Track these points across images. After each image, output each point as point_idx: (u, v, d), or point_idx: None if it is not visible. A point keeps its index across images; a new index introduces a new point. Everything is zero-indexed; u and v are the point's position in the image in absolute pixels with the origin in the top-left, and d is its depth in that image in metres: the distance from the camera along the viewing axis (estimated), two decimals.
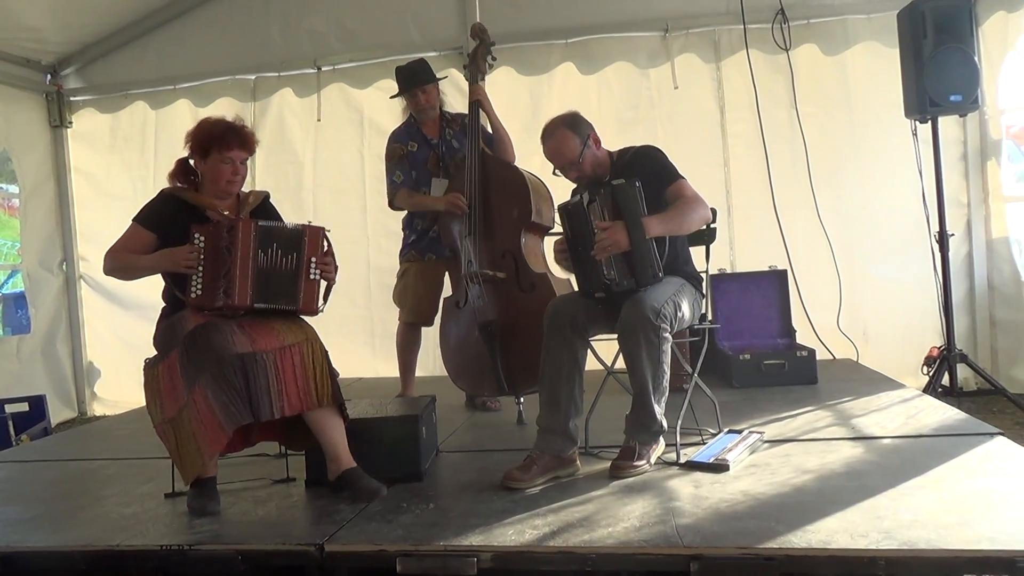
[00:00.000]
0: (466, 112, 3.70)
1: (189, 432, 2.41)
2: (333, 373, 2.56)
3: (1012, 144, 4.63)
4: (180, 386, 2.44)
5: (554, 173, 2.92)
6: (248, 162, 2.71)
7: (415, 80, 3.74)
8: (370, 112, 5.17)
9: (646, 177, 2.66)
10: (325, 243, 2.64)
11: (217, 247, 2.51)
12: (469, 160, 3.56)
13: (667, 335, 2.59)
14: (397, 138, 3.81)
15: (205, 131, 2.63)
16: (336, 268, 2.68)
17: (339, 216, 5.07)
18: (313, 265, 2.58)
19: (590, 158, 2.83)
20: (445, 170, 3.74)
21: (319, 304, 2.63)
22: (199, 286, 2.51)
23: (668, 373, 2.64)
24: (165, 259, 2.58)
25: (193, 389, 2.40)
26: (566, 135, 2.82)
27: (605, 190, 2.59)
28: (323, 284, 2.64)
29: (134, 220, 2.65)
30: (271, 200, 2.85)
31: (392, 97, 3.89)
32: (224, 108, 4.97)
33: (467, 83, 3.71)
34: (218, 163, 2.61)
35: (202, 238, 2.52)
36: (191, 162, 2.69)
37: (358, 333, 5.09)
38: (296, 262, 2.57)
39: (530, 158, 3.85)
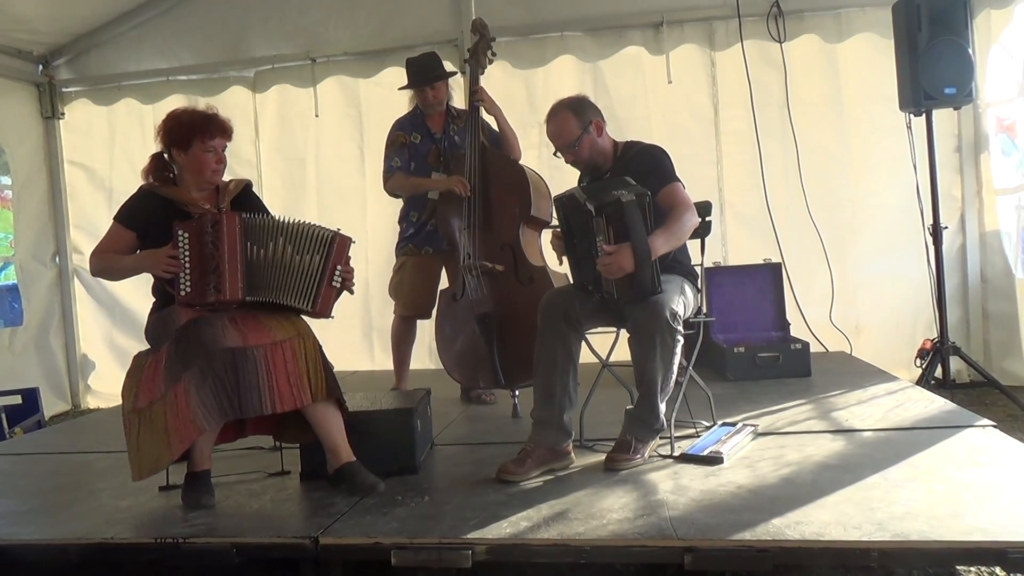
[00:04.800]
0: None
1: (160, 426, 2.39)
2: (328, 367, 2.55)
3: (1006, 137, 4.64)
4: (160, 379, 2.42)
5: (554, 154, 2.90)
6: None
7: (425, 77, 3.72)
8: (367, 106, 5.15)
9: (643, 176, 2.65)
10: (349, 254, 2.63)
11: (202, 243, 2.49)
12: (469, 153, 3.55)
13: (680, 337, 2.59)
14: (401, 127, 3.80)
15: (184, 122, 2.60)
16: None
17: (337, 209, 5.06)
18: (338, 273, 2.58)
19: (588, 144, 2.82)
20: (445, 165, 3.73)
21: (331, 310, 2.61)
22: (187, 283, 2.50)
23: (675, 373, 2.65)
24: (146, 261, 2.57)
25: (176, 384, 2.38)
26: (567, 117, 2.81)
27: (613, 205, 2.53)
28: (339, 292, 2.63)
29: (114, 219, 2.63)
30: (253, 188, 2.82)
31: (400, 89, 3.88)
32: (219, 101, 4.94)
33: (464, 78, 3.69)
34: (201, 153, 2.59)
35: (186, 235, 2.50)
36: (165, 156, 2.66)
37: (357, 327, 5.09)
38: (322, 265, 2.55)
39: (525, 152, 3.84)
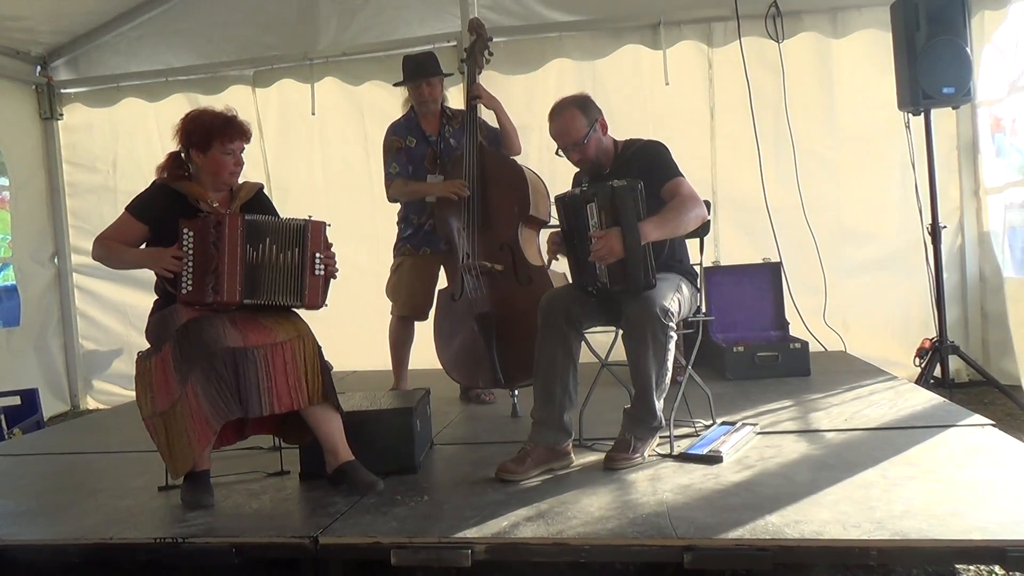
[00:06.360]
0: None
1: (182, 427, 2.41)
2: (326, 368, 2.56)
3: (1003, 136, 4.65)
4: (173, 380, 2.43)
5: (556, 153, 2.89)
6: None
7: (421, 72, 3.72)
8: (368, 105, 5.15)
9: (646, 172, 2.66)
10: (327, 238, 2.62)
11: (205, 242, 2.49)
12: (467, 154, 3.55)
13: (673, 334, 2.59)
14: (395, 131, 3.80)
15: (204, 124, 2.60)
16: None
17: (346, 208, 5.07)
18: (318, 260, 2.57)
19: (595, 142, 2.82)
20: (442, 167, 3.73)
21: (322, 299, 2.62)
22: (189, 282, 2.50)
23: (671, 370, 2.65)
24: (150, 259, 2.58)
25: (186, 384, 2.39)
26: (575, 115, 2.80)
27: (604, 191, 2.56)
28: (325, 279, 2.62)
29: (126, 209, 2.64)
30: (265, 192, 2.83)
31: (396, 84, 3.88)
32: (220, 102, 4.92)
33: (462, 78, 3.69)
34: (220, 155, 2.60)
35: (191, 233, 2.51)
36: (182, 155, 2.67)
37: (369, 324, 5.04)
38: (300, 257, 2.55)
39: (524, 156, 3.84)
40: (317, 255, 2.57)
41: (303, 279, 2.56)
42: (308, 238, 2.57)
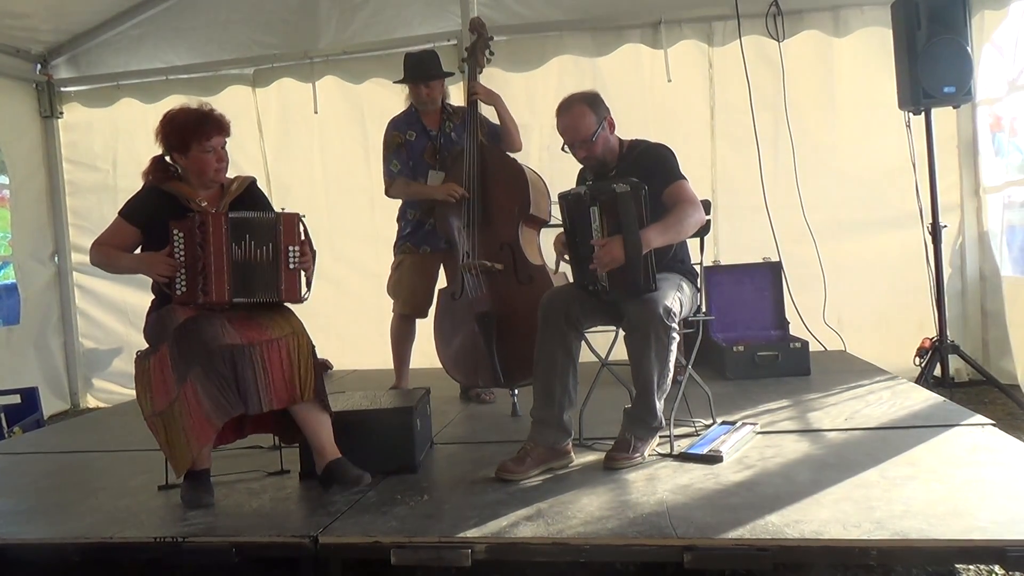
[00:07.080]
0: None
1: (179, 426, 2.41)
2: (318, 367, 2.55)
3: (1002, 135, 4.65)
4: (171, 379, 2.43)
5: (562, 149, 2.87)
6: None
7: (421, 73, 3.72)
8: (369, 104, 5.14)
9: (649, 174, 2.65)
10: (302, 229, 2.59)
11: (193, 243, 2.49)
12: (467, 153, 3.55)
13: (675, 334, 2.59)
14: (396, 126, 3.79)
15: (179, 124, 2.57)
16: (314, 255, 2.64)
17: (347, 207, 5.02)
18: (292, 253, 2.54)
19: (602, 140, 2.82)
20: (442, 162, 3.72)
21: (302, 292, 2.59)
22: (183, 283, 2.50)
23: (672, 371, 2.65)
24: (145, 264, 2.57)
25: (184, 383, 2.39)
26: (584, 111, 2.79)
27: (607, 195, 2.56)
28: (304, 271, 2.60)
29: (119, 213, 2.63)
30: (257, 185, 2.81)
31: (396, 82, 3.88)
32: (220, 101, 4.92)
33: (463, 77, 3.68)
34: (201, 154, 2.57)
35: (181, 234, 2.50)
36: (167, 159, 2.65)
37: (369, 322, 5.03)
38: (273, 252, 2.53)
39: (525, 155, 3.83)
40: (291, 248, 2.54)
41: (278, 274, 2.54)
42: (280, 232, 2.54)
